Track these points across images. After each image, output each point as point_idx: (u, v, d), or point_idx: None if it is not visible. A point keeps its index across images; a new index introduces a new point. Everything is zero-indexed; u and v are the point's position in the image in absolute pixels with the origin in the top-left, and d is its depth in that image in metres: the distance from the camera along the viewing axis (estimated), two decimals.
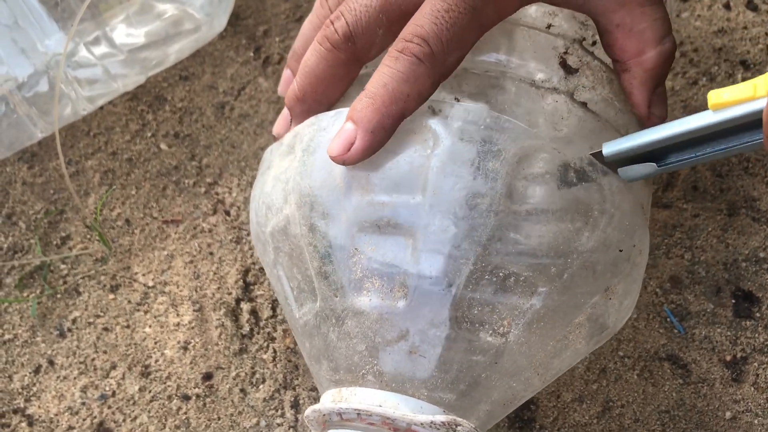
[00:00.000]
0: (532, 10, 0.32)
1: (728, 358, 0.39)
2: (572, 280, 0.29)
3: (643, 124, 0.31)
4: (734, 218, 0.42)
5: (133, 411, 0.40)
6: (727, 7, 0.48)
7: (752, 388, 0.38)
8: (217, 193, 0.46)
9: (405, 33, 0.28)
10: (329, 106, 0.31)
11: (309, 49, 0.30)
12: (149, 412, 0.40)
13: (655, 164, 0.27)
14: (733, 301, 0.40)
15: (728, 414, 0.37)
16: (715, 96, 0.25)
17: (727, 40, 0.47)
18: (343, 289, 0.29)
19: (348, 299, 0.29)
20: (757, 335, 0.39)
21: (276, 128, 0.32)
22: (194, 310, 0.42)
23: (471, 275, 0.28)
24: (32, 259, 0.44)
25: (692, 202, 0.43)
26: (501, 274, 0.28)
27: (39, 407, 0.41)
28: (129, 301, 0.43)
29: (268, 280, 0.43)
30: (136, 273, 0.44)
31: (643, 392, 0.38)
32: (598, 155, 0.28)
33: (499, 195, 0.27)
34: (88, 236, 0.45)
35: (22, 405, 0.41)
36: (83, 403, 0.40)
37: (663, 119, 0.31)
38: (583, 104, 0.30)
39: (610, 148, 0.28)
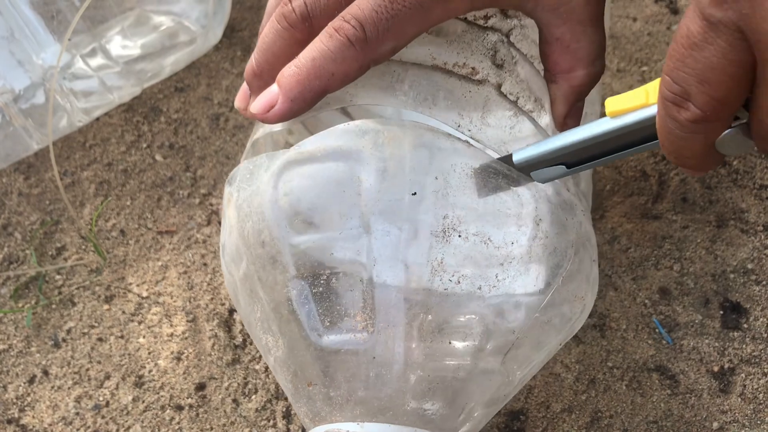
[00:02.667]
0: None
1: (716, 368, 0.39)
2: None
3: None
4: (723, 230, 0.42)
5: (127, 421, 0.40)
6: None
7: (739, 399, 0.38)
8: (211, 204, 0.46)
9: (346, 12, 0.28)
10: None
11: (267, 26, 0.30)
12: (143, 422, 0.40)
13: (564, 167, 0.28)
14: (721, 312, 0.40)
15: (715, 424, 0.38)
16: (611, 104, 0.26)
17: None
18: (305, 330, 0.29)
19: (313, 340, 0.29)
20: (744, 346, 0.39)
21: (237, 101, 0.33)
22: (188, 321, 0.43)
23: (429, 280, 0.29)
24: (27, 270, 0.45)
25: (681, 214, 0.43)
26: (456, 280, 0.29)
27: (33, 417, 0.41)
28: (123, 312, 0.43)
29: None
30: (131, 283, 0.44)
31: (631, 403, 0.39)
32: (507, 159, 0.29)
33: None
34: (83, 247, 0.46)
35: (16, 415, 0.41)
36: (77, 413, 0.41)
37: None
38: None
39: (519, 155, 0.29)
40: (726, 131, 0.24)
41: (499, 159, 0.29)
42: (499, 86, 0.31)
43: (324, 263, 0.29)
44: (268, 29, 0.30)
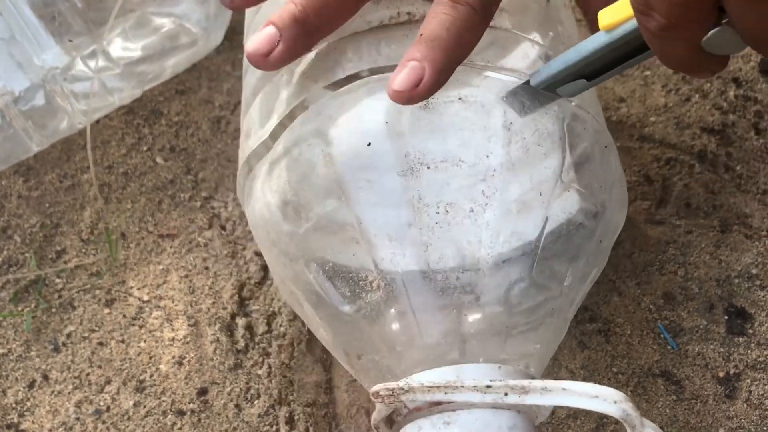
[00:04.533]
0: None
1: (721, 374, 0.39)
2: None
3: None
4: (727, 235, 0.42)
5: (128, 426, 0.40)
6: None
7: (745, 405, 0.38)
8: (212, 208, 0.46)
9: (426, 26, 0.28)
10: (327, 34, 0.30)
11: None
12: (144, 427, 0.40)
13: (584, 80, 0.28)
14: (726, 317, 0.40)
15: (721, 431, 0.38)
16: (604, 17, 0.26)
17: None
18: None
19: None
20: (749, 352, 0.39)
21: (257, 46, 0.29)
22: (189, 325, 0.42)
23: (416, 218, 0.29)
24: (27, 273, 0.44)
25: (685, 219, 0.43)
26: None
27: (33, 422, 0.41)
28: (124, 316, 0.43)
29: (263, 295, 0.43)
30: (131, 287, 0.44)
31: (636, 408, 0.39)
32: (526, 85, 0.30)
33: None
34: (84, 250, 0.45)
35: (15, 420, 0.41)
36: (77, 419, 0.40)
37: None
38: None
39: (535, 79, 0.29)
40: (711, 31, 0.24)
41: (516, 87, 0.30)
42: None
43: (324, 241, 0.29)
44: None
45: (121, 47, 0.47)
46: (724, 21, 0.24)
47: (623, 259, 0.42)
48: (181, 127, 0.49)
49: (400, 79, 0.28)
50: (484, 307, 0.30)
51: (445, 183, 0.29)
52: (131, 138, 0.48)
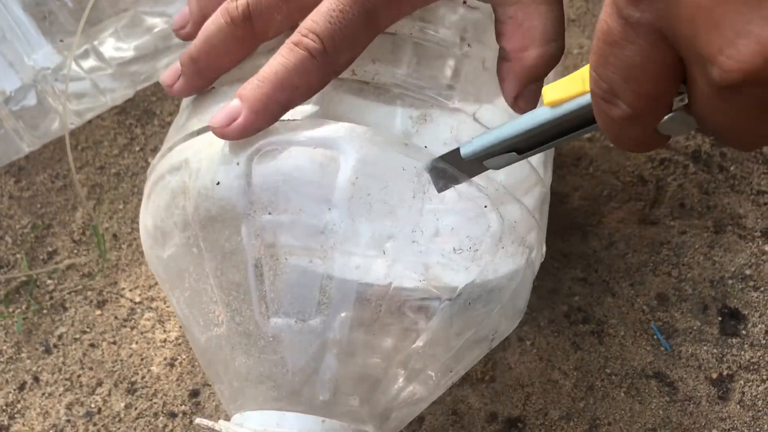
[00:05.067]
0: None
1: (714, 375, 0.39)
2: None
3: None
4: (721, 235, 0.42)
5: (119, 428, 0.40)
6: None
7: (738, 406, 0.38)
8: None
9: (302, 27, 0.29)
10: (219, 74, 0.33)
11: (211, 18, 0.31)
12: (135, 429, 0.40)
13: (515, 153, 0.28)
14: (720, 318, 0.40)
15: None
16: (549, 93, 0.26)
17: None
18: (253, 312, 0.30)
19: (260, 322, 0.30)
20: (743, 353, 0.39)
21: (164, 77, 0.33)
22: (181, 327, 0.42)
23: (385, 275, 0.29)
24: (18, 274, 0.44)
25: (679, 220, 0.43)
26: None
27: (23, 425, 0.40)
28: (116, 317, 0.43)
29: None
30: (123, 288, 0.44)
31: (630, 410, 0.38)
32: (455, 154, 0.29)
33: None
34: (75, 251, 0.45)
35: (6, 422, 0.40)
36: (68, 421, 0.40)
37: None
38: None
39: (466, 149, 0.29)
40: (667, 116, 0.24)
41: (445, 155, 0.29)
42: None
43: (281, 245, 0.29)
44: (212, 21, 0.31)
45: (114, 47, 0.47)
46: (679, 106, 0.23)
47: (617, 259, 0.42)
48: None
49: (217, 116, 0.29)
50: (296, 363, 0.30)
51: (285, 231, 0.29)
52: (123, 138, 0.48)
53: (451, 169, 0.29)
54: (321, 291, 0.29)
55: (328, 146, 0.29)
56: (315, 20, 0.29)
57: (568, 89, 0.26)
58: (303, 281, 0.29)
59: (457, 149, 0.29)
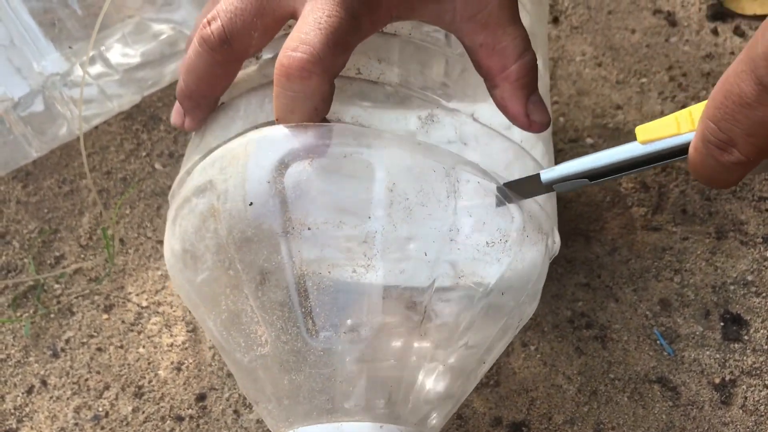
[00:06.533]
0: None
1: (717, 380, 0.39)
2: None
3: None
4: (723, 241, 0.42)
5: None
6: (715, 32, 0.49)
7: (741, 411, 0.38)
8: None
9: (289, 42, 0.28)
10: (215, 100, 0.33)
11: (190, 47, 0.31)
12: None
13: (587, 179, 0.30)
14: (722, 323, 0.40)
15: None
16: (642, 132, 0.28)
17: (715, 64, 0.48)
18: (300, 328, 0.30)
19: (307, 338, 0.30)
20: (745, 358, 0.40)
21: (173, 119, 0.34)
22: (188, 331, 0.43)
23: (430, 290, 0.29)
24: (26, 279, 0.44)
25: (681, 226, 0.43)
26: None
27: (32, 428, 0.41)
28: (123, 321, 0.43)
29: None
30: (130, 293, 0.44)
31: (633, 414, 0.39)
32: (535, 179, 0.30)
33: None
34: (83, 255, 0.45)
35: (14, 426, 0.41)
36: (76, 424, 0.40)
37: (545, 124, 0.32)
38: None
39: (547, 175, 0.30)
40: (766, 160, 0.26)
41: (520, 179, 0.31)
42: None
43: (323, 259, 0.29)
44: (192, 50, 0.31)
45: (121, 53, 0.47)
46: None
47: (620, 265, 0.42)
48: (179, 133, 0.49)
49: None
50: (362, 368, 0.30)
51: (326, 244, 0.29)
52: (130, 144, 0.49)
53: (514, 195, 0.31)
54: (368, 299, 0.29)
55: (357, 154, 0.29)
56: (303, 31, 0.28)
57: (661, 130, 0.28)
58: (348, 292, 0.29)
59: (537, 176, 0.30)
